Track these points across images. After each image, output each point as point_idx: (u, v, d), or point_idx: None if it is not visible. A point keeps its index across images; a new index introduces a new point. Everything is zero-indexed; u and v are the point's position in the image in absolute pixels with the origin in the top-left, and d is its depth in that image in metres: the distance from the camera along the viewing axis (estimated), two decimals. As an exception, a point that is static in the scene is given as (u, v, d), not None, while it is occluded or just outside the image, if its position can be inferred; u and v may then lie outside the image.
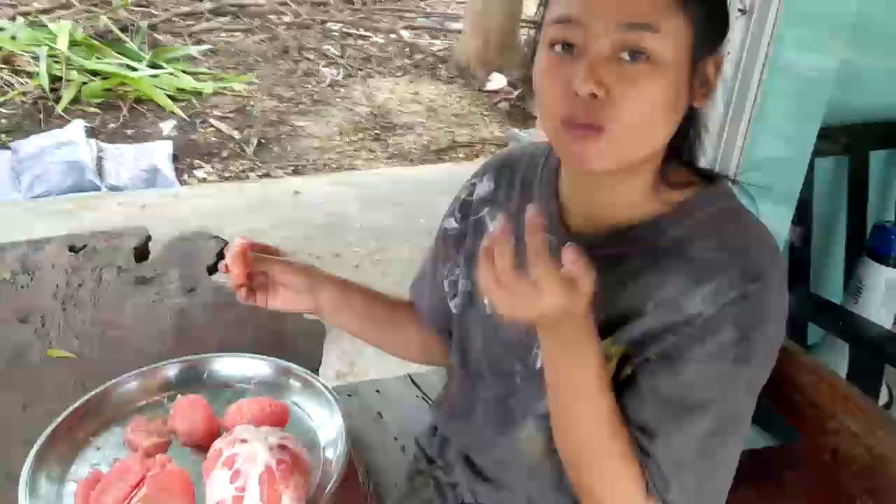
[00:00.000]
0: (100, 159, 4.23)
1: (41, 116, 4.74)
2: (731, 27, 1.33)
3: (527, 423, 1.03)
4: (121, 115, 4.88)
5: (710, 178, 0.96)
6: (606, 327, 0.93)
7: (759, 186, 0.99)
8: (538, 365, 1.01)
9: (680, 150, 0.94)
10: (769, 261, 0.88)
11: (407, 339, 1.27)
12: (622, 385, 0.92)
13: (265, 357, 1.28)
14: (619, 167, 0.88)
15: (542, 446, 1.02)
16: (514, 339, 1.04)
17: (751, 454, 1.07)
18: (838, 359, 1.99)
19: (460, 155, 4.88)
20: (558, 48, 0.85)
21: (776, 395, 1.07)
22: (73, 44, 5.35)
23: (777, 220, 1.67)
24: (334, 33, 6.58)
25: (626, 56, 0.81)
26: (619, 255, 0.93)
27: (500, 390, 1.08)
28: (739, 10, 1.30)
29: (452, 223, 1.17)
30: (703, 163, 0.98)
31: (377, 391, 1.60)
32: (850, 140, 1.93)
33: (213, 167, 4.47)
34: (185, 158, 4.52)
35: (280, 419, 1.18)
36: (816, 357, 2.04)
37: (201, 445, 1.15)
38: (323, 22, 6.69)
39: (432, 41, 6.67)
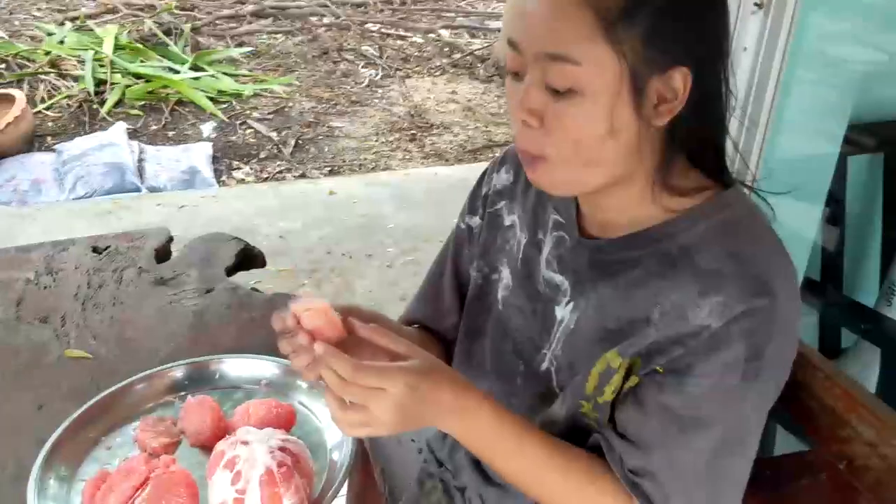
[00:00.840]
0: (141, 161, 4.31)
1: (86, 119, 4.83)
2: (745, 24, 1.31)
3: None
4: (163, 117, 4.96)
5: (727, 182, 0.92)
6: (614, 335, 0.91)
7: (773, 193, 0.95)
8: (544, 367, 1.00)
9: (692, 153, 0.91)
10: (779, 271, 0.85)
11: None
12: (624, 396, 0.91)
13: (274, 358, 1.29)
14: (575, 190, 0.88)
15: None
16: (524, 337, 1.03)
17: (766, 461, 1.04)
18: (871, 364, 1.93)
19: (497, 154, 4.84)
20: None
21: (791, 402, 1.05)
22: (118, 47, 5.45)
23: (804, 221, 1.62)
24: (373, 34, 6.60)
25: (553, 86, 0.80)
26: (629, 260, 0.91)
27: (501, 389, 1.06)
28: (756, 4, 1.26)
29: (476, 220, 1.14)
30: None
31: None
32: (884, 137, 1.86)
33: (251, 168, 4.52)
34: (224, 159, 4.57)
35: (287, 420, 1.18)
36: (848, 362, 1.99)
37: (209, 446, 1.15)
38: (362, 23, 6.72)
39: (471, 40, 6.65)
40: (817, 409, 1.07)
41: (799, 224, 1.62)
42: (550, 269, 1.00)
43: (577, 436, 0.97)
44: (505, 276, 1.07)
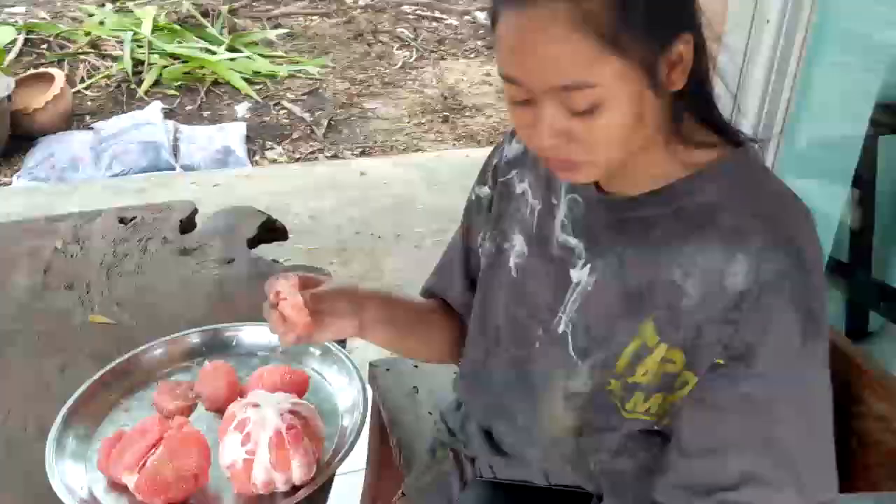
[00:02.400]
0: (176, 140, 4.37)
1: (124, 99, 4.91)
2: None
3: (552, 397, 1.01)
4: (198, 97, 5.02)
5: (736, 141, 0.92)
6: (635, 298, 0.91)
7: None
8: (560, 329, 0.99)
9: (696, 110, 0.90)
10: (801, 223, 0.86)
11: (441, 341, 1.22)
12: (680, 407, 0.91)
13: (290, 326, 1.30)
14: (609, 170, 0.88)
15: (567, 424, 1.01)
16: (539, 302, 1.03)
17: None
18: (899, 347, 1.90)
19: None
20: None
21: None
22: (157, 28, 5.51)
23: (829, 199, 1.59)
24: (409, 16, 6.59)
25: (574, 109, 0.80)
26: (648, 219, 0.91)
27: (518, 355, 1.07)
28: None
29: (485, 190, 1.15)
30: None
31: (415, 366, 1.61)
32: (916, 116, 1.82)
33: (283, 148, 4.55)
34: (258, 139, 4.61)
35: (300, 386, 1.20)
36: (876, 345, 1.96)
37: (224, 410, 1.18)
38: (398, 5, 6.71)
39: (507, 23, 6.62)
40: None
41: (823, 204, 1.59)
42: (565, 233, 1.00)
43: (601, 412, 0.97)
44: (518, 243, 1.07)
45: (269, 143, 4.60)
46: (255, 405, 1.06)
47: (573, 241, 0.99)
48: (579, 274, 0.97)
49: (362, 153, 4.55)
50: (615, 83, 0.78)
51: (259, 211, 1.76)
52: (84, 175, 4.05)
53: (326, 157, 4.50)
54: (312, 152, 4.53)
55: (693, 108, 0.89)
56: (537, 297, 1.03)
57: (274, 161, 4.43)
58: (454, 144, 4.68)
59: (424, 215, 3.72)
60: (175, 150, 4.26)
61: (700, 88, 0.88)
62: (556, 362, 1.00)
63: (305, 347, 1.27)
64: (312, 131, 4.73)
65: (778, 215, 0.85)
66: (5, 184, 4.01)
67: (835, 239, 1.75)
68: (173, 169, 4.12)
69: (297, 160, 4.44)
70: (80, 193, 3.80)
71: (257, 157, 4.44)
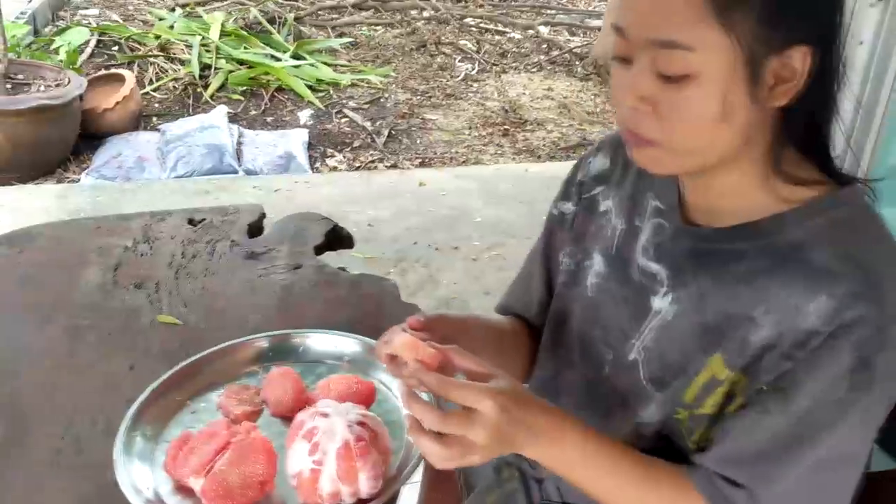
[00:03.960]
0: (239, 144, 4.42)
1: (190, 102, 4.99)
2: (863, 16, 1.23)
3: (621, 423, 0.99)
4: (262, 102, 5.08)
5: (842, 180, 0.88)
6: (712, 331, 0.88)
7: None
8: (631, 356, 0.97)
9: (803, 143, 0.86)
10: (894, 277, 0.80)
11: (515, 360, 1.17)
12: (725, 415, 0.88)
13: (358, 336, 1.29)
14: (683, 172, 0.85)
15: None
16: (613, 325, 1.00)
17: (872, 476, 0.98)
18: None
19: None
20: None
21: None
22: (224, 34, 5.60)
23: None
24: (472, 28, 6.60)
25: (664, 72, 0.77)
26: (734, 252, 0.87)
27: (589, 376, 1.04)
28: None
29: (569, 206, 1.12)
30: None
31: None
32: None
33: (344, 156, 4.58)
34: (319, 146, 4.65)
35: (367, 397, 1.18)
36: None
37: (289, 416, 1.16)
38: (461, 17, 6.73)
39: (570, 38, 6.58)
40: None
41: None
42: (647, 257, 0.97)
43: (669, 441, 0.94)
44: (597, 262, 1.04)
45: (330, 150, 4.63)
46: (324, 414, 1.05)
47: (655, 266, 0.96)
48: (661, 303, 0.94)
49: (421, 164, 4.56)
50: (711, 57, 0.75)
51: (325, 218, 1.76)
52: (150, 175, 4.12)
53: (386, 166, 4.51)
54: (372, 161, 4.55)
55: (798, 139, 0.85)
56: (612, 321, 1.01)
57: (334, 168, 4.46)
58: (514, 158, 4.66)
59: (481, 228, 3.70)
60: (238, 154, 4.32)
61: (812, 118, 0.83)
62: (627, 389, 0.98)
63: (373, 358, 1.26)
64: (373, 140, 4.75)
65: (873, 263, 0.81)
66: (74, 181, 4.10)
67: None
68: (236, 172, 4.17)
69: (357, 168, 4.46)
70: (146, 193, 3.86)
71: (318, 164, 4.48)
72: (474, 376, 0.86)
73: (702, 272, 0.90)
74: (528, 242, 1.21)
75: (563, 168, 4.83)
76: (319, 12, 6.54)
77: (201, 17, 5.93)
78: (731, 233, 0.88)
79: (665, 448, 0.94)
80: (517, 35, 6.55)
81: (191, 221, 1.73)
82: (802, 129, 0.84)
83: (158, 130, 4.52)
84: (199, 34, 5.53)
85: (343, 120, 4.98)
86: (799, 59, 0.77)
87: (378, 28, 6.51)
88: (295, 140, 4.53)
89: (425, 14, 6.78)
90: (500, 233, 3.61)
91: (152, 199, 3.75)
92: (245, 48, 5.55)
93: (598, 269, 1.04)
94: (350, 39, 6.18)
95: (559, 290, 1.11)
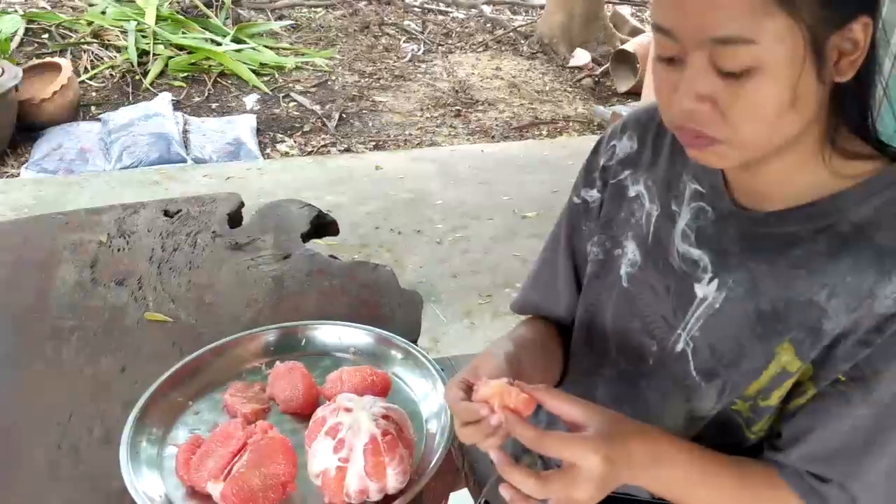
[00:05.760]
0: (185, 132, 4.29)
1: (129, 90, 4.83)
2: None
3: (669, 416, 0.96)
4: (205, 88, 4.94)
5: (891, 152, 0.84)
6: (768, 318, 0.85)
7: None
8: (679, 347, 0.92)
9: (852, 116, 0.83)
10: None
11: (556, 368, 1.11)
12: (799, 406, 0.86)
13: (365, 326, 1.25)
14: (747, 162, 0.81)
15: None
16: (654, 315, 0.96)
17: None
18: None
19: (543, 132, 4.78)
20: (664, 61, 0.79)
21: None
22: (160, 19, 5.42)
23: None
24: (415, 8, 6.52)
25: (726, 69, 0.73)
26: (790, 236, 0.84)
27: (629, 370, 1.00)
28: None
29: (594, 193, 1.06)
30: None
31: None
32: None
33: (294, 141, 4.48)
34: (268, 132, 4.54)
35: (382, 390, 1.14)
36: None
37: (300, 413, 1.13)
38: (403, -3, 6.66)
39: (513, 16, 6.56)
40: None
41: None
42: (687, 243, 0.93)
43: (723, 432, 0.92)
44: (630, 250, 1.00)
45: (280, 135, 4.53)
46: (347, 409, 1.00)
47: (696, 252, 0.91)
48: (705, 290, 0.90)
49: (375, 147, 4.49)
50: (776, 46, 0.71)
51: (308, 204, 1.70)
52: (94, 167, 3.97)
53: (339, 150, 4.43)
54: (324, 145, 4.46)
55: (853, 112, 0.82)
56: (652, 311, 0.96)
57: (286, 154, 4.36)
58: (468, 139, 4.62)
59: (442, 210, 3.66)
60: (185, 143, 4.19)
61: (861, 89, 0.80)
62: (675, 381, 0.94)
63: (386, 350, 1.22)
64: (324, 124, 4.66)
65: None
66: (13, 175, 3.92)
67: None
68: (184, 161, 4.04)
69: (310, 153, 4.37)
70: (92, 186, 3.72)
71: (268, 150, 4.37)
72: (568, 419, 0.82)
73: (752, 258, 0.86)
74: (491, 224, 1.17)
75: (518, 147, 4.83)
76: (258, -5, 6.39)
77: (134, 1, 5.72)
78: (785, 216, 0.85)
79: (716, 437, 0.91)
80: (460, 14, 6.50)
81: (166, 213, 1.64)
82: (857, 102, 0.81)
83: (99, 120, 4.35)
84: (134, 19, 5.35)
85: (291, 104, 4.87)
86: (860, 31, 0.74)
87: (318, 10, 6.39)
88: (243, 126, 4.41)
89: (366, -5, 6.68)
90: (461, 215, 3.58)
91: (99, 191, 3.61)
92: (183, 33, 5.39)
93: (632, 257, 1.00)
94: (291, 22, 6.05)
95: (588, 282, 1.06)
